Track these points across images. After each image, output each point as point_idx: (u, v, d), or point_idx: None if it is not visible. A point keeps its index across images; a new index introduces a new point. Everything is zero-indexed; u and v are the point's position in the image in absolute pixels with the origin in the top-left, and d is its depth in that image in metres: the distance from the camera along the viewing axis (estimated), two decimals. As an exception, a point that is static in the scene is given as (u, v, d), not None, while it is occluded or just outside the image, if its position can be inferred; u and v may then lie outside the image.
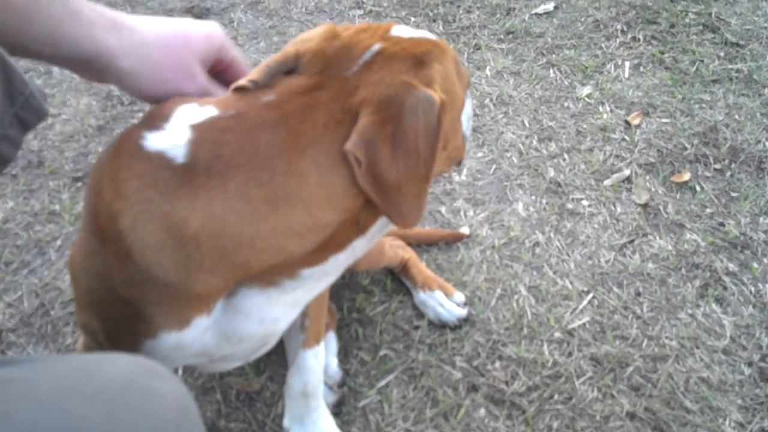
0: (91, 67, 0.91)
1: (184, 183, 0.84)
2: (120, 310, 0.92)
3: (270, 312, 0.98)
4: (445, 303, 1.61)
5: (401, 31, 0.97)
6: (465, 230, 1.83)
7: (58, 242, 1.75)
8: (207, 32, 1.00)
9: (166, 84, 0.95)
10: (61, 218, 1.82)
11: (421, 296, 1.63)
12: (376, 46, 0.92)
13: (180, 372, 1.47)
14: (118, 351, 1.00)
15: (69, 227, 1.79)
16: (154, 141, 0.87)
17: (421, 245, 1.79)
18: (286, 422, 1.33)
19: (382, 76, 0.89)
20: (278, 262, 0.89)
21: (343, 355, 1.53)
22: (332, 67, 0.91)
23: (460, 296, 1.64)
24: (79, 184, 1.93)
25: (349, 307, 1.63)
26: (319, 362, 1.27)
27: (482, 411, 1.43)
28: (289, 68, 0.94)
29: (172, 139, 0.87)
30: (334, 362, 1.49)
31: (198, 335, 0.94)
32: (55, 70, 2.37)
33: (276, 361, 1.50)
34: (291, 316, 1.04)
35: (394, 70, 0.90)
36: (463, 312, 1.60)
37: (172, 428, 0.68)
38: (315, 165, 0.85)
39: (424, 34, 0.99)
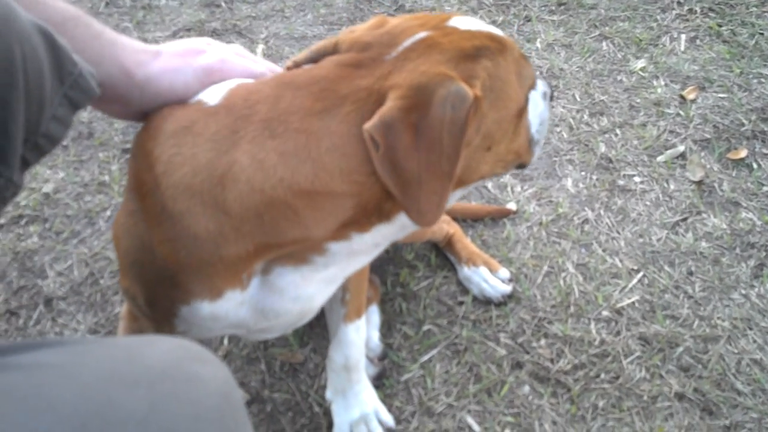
0: (112, 84, 0.98)
1: (211, 123, 0.89)
2: (157, 274, 0.94)
3: (305, 289, 0.98)
4: (489, 279, 1.59)
5: (461, 22, 0.95)
6: (512, 206, 1.80)
7: (108, 213, 1.78)
8: (207, 66, 1.04)
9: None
10: (111, 189, 1.84)
11: (466, 272, 1.61)
12: (422, 34, 0.91)
13: (225, 341, 1.48)
14: (157, 315, 1.03)
15: (118, 198, 1.81)
16: (196, 97, 0.97)
17: (466, 220, 1.77)
18: (328, 394, 1.33)
19: (419, 64, 0.87)
20: (294, 228, 0.89)
21: (387, 329, 1.52)
22: (372, 50, 0.91)
23: (505, 272, 1.61)
24: (128, 155, 1.95)
25: (392, 281, 1.62)
26: (360, 336, 1.27)
27: (526, 388, 1.42)
28: (329, 53, 0.97)
29: (212, 92, 0.95)
30: (375, 335, 1.49)
31: (232, 308, 0.96)
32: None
33: (320, 333, 1.50)
34: (326, 293, 1.04)
35: (433, 59, 0.87)
36: (507, 288, 1.58)
37: (214, 416, 0.68)
38: (328, 131, 0.85)
39: (488, 28, 0.96)
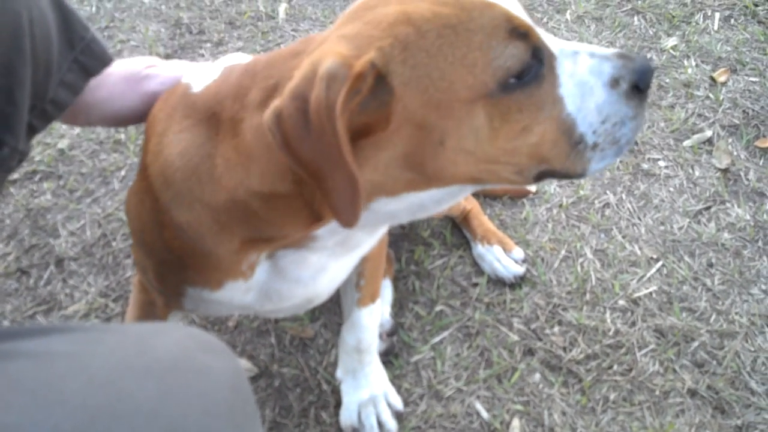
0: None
1: (190, 115, 0.88)
2: (165, 254, 0.95)
3: (305, 271, 0.97)
4: (502, 258, 1.56)
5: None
6: (531, 186, 1.76)
7: (122, 172, 1.76)
8: (154, 92, 1.05)
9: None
10: (126, 148, 1.82)
11: (479, 249, 1.59)
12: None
13: (236, 315, 1.47)
14: (167, 291, 1.02)
15: (133, 158, 1.79)
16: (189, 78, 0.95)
17: (486, 197, 1.74)
18: (339, 374, 1.32)
19: (329, 41, 0.77)
20: (266, 226, 0.87)
21: (399, 307, 1.51)
22: (335, 25, 0.83)
23: (519, 253, 1.59)
24: (145, 113, 1.92)
25: (407, 258, 1.60)
26: (373, 320, 1.25)
27: (537, 376, 1.40)
28: None
29: (203, 76, 0.93)
30: (386, 311, 1.47)
31: (237, 295, 0.97)
32: (126, -7, 2.35)
33: (331, 309, 1.49)
34: (330, 277, 1.02)
35: (345, 32, 0.77)
36: (520, 269, 1.56)
37: (223, 409, 0.66)
38: (250, 127, 0.82)
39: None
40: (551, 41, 0.80)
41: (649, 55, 2.19)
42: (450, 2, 0.75)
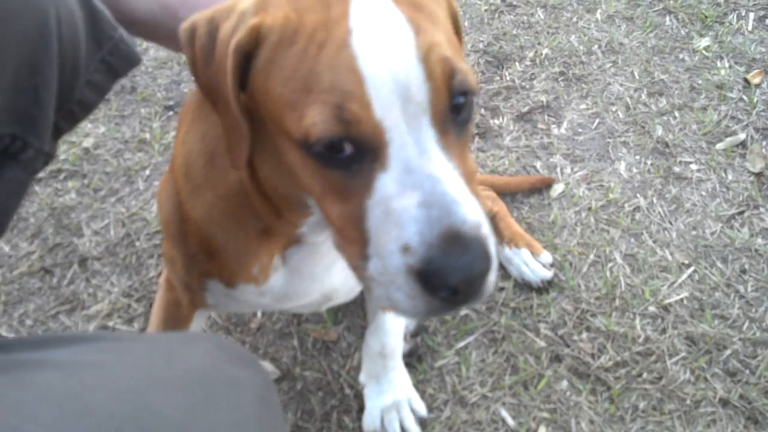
0: (155, 23, 0.95)
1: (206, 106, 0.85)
2: (187, 249, 0.95)
3: (317, 266, 0.95)
4: (530, 262, 1.53)
5: None
6: (559, 187, 1.73)
7: (147, 172, 1.75)
8: None
9: None
10: (151, 147, 1.81)
11: (507, 252, 1.56)
12: None
13: (259, 314, 1.46)
14: (191, 284, 1.02)
15: (158, 157, 1.78)
16: None
17: (514, 196, 1.71)
18: (362, 378, 1.30)
19: None
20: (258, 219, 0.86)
21: (424, 311, 1.48)
22: None
23: (547, 257, 1.56)
24: (170, 113, 1.91)
25: (432, 261, 1.58)
26: (398, 325, 1.23)
27: (564, 383, 1.37)
28: None
29: None
30: None
31: (251, 296, 0.97)
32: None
33: (354, 312, 1.47)
34: (344, 268, 1.00)
35: None
36: (548, 274, 1.53)
37: (252, 422, 0.65)
38: None
39: None
40: (417, 148, 0.64)
41: (681, 56, 2.15)
42: (338, 39, 0.64)
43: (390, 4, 0.65)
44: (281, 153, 0.71)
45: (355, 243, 0.68)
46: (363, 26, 0.63)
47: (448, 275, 0.62)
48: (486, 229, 0.65)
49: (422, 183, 0.63)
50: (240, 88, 0.70)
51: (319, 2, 0.66)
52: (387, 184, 0.64)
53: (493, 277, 0.66)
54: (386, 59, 0.62)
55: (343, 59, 0.62)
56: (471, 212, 0.63)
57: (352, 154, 0.65)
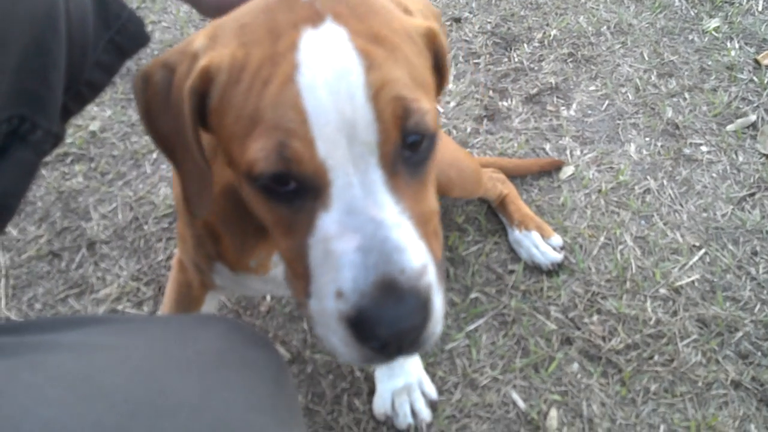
0: None
1: None
2: (196, 229, 0.95)
3: None
4: (540, 245, 1.52)
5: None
6: (569, 169, 1.72)
7: (154, 155, 1.74)
8: None
9: None
10: (157, 130, 1.80)
11: (516, 235, 1.55)
12: None
13: (268, 298, 1.45)
14: (201, 264, 1.01)
15: (164, 140, 1.77)
16: None
17: (524, 178, 1.70)
18: (372, 362, 1.30)
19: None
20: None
21: (433, 294, 1.48)
22: None
23: (557, 239, 1.55)
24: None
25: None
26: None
27: (575, 366, 1.36)
28: None
29: None
30: None
31: (255, 284, 0.97)
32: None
33: (364, 295, 1.46)
34: None
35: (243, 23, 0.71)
36: (558, 257, 1.52)
37: (267, 404, 0.64)
38: None
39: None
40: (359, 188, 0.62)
41: (691, 37, 2.13)
42: (283, 74, 0.61)
43: (344, 36, 0.62)
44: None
45: (301, 278, 0.66)
46: (310, 60, 0.60)
47: (378, 327, 0.59)
48: (428, 278, 0.62)
49: (364, 226, 0.61)
50: (203, 127, 0.69)
51: (267, 34, 0.63)
52: (327, 224, 0.62)
53: (436, 328, 0.64)
54: (332, 97, 0.59)
55: (286, 96, 0.60)
56: (413, 260, 0.61)
57: (296, 189, 0.63)
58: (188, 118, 0.65)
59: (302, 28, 0.62)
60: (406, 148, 0.64)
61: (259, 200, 0.67)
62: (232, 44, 0.64)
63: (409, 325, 0.60)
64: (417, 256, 0.61)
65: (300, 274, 0.66)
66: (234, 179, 0.74)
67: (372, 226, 0.60)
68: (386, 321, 0.59)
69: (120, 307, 1.43)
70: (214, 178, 0.81)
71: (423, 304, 0.61)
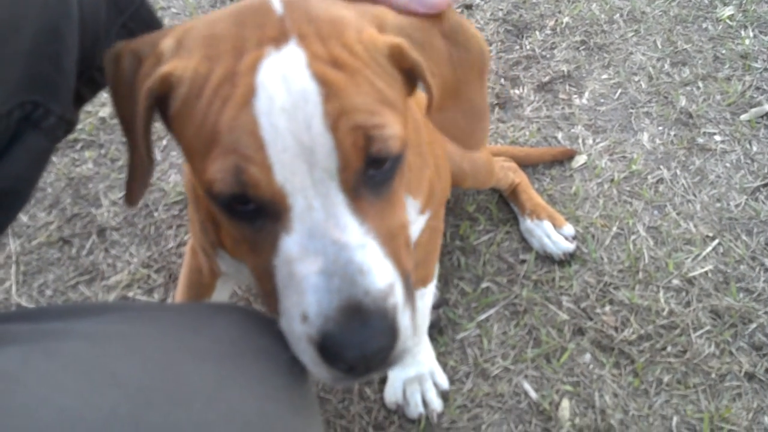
0: None
1: None
2: (200, 215, 0.95)
3: None
4: (552, 234, 1.51)
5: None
6: (581, 158, 1.71)
7: (164, 142, 1.73)
8: None
9: None
10: (167, 117, 1.79)
11: (528, 224, 1.54)
12: None
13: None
14: (207, 248, 1.01)
15: (174, 127, 1.77)
16: None
17: (535, 167, 1.69)
18: (384, 350, 1.30)
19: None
20: None
21: (444, 283, 1.47)
22: None
23: (569, 229, 1.54)
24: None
25: (452, 233, 1.56)
26: (425, 304, 1.22)
27: (587, 356, 1.36)
28: None
29: None
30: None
31: None
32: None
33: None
34: None
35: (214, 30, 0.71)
36: (570, 246, 1.51)
37: (282, 393, 0.64)
38: None
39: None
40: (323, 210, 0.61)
41: (705, 25, 2.11)
42: (241, 97, 0.60)
43: (304, 62, 0.60)
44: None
45: (271, 296, 0.66)
46: (268, 86, 0.59)
47: (344, 351, 0.59)
48: (395, 299, 0.62)
49: (326, 249, 0.60)
50: (165, 124, 0.69)
51: (231, 50, 0.62)
52: (290, 246, 0.62)
53: (403, 345, 0.63)
54: (289, 124, 0.59)
55: (243, 120, 0.59)
56: (377, 281, 0.60)
57: (256, 209, 0.63)
58: (140, 115, 0.65)
59: (266, 49, 0.61)
60: (370, 168, 0.63)
61: (222, 217, 0.67)
62: (196, 55, 0.63)
63: (375, 347, 0.60)
64: (382, 276, 0.61)
65: (268, 291, 0.66)
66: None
67: (334, 249, 0.60)
68: (352, 345, 0.59)
69: (131, 294, 1.43)
70: None
71: (389, 326, 0.61)
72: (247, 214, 0.63)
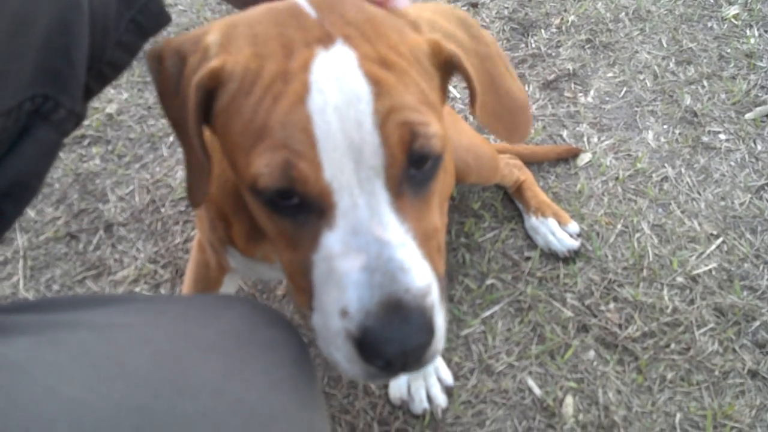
0: None
1: None
2: (210, 213, 0.96)
3: None
4: (557, 231, 1.52)
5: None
6: (586, 156, 1.71)
7: (171, 138, 1.74)
8: None
9: None
10: (174, 114, 1.80)
11: (533, 221, 1.55)
12: None
13: (285, 284, 1.45)
14: (216, 245, 1.02)
15: (181, 124, 1.77)
16: None
17: (541, 164, 1.70)
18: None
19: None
20: None
21: (448, 280, 1.48)
22: None
23: (574, 227, 1.54)
24: (193, 79, 1.90)
25: (457, 230, 1.57)
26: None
27: (591, 353, 1.36)
28: None
29: None
30: None
31: (263, 271, 0.98)
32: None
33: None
34: None
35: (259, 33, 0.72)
36: (575, 244, 1.51)
37: (288, 385, 0.64)
38: None
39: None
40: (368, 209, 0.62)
41: (710, 24, 2.11)
42: (294, 95, 0.61)
43: (354, 61, 0.62)
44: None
45: (304, 292, 0.66)
46: (321, 84, 0.60)
47: (384, 346, 0.60)
48: (432, 298, 0.63)
49: (368, 246, 0.61)
50: (205, 120, 0.69)
51: (281, 49, 0.63)
52: (332, 242, 0.62)
53: (438, 345, 0.64)
54: (341, 123, 0.60)
55: (296, 117, 0.60)
56: (417, 279, 0.61)
57: (299, 204, 0.64)
58: (192, 112, 0.66)
59: (315, 49, 0.62)
60: (411, 167, 0.64)
61: (262, 212, 0.68)
62: (245, 51, 0.64)
63: (414, 344, 0.60)
64: (421, 275, 0.62)
65: (302, 288, 0.66)
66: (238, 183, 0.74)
67: (377, 246, 0.61)
68: (392, 340, 0.59)
69: (137, 289, 1.44)
70: (217, 170, 0.82)
71: (427, 323, 0.61)
72: (290, 209, 0.64)
